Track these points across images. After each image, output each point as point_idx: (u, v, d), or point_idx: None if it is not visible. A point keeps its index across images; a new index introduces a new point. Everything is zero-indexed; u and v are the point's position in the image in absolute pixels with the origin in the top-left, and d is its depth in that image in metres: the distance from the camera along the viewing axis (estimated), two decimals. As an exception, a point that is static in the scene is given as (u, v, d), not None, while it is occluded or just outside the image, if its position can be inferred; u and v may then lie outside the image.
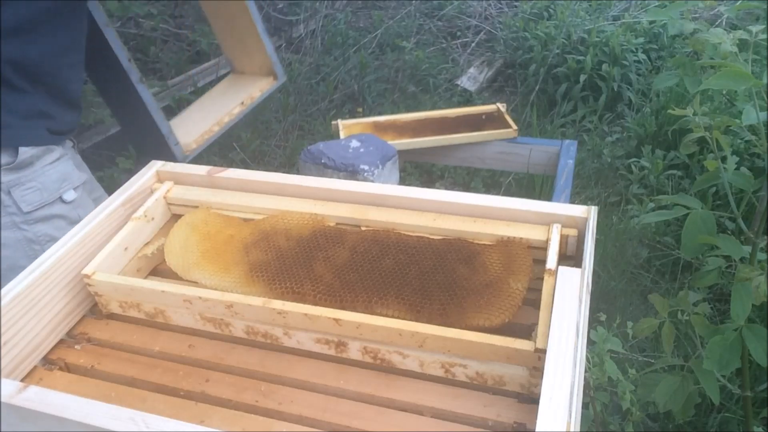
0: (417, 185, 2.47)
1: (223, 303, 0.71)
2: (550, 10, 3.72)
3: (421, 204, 0.82)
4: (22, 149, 1.10)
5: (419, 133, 1.86)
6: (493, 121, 1.91)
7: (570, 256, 0.78)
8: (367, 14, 4.19)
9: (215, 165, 0.93)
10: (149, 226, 0.86)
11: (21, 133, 1.10)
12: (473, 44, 3.77)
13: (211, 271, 0.78)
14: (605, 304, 1.95)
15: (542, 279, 0.71)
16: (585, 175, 2.67)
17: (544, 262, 0.73)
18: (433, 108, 2.93)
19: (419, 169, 2.85)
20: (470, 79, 3.47)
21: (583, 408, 1.22)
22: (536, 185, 2.44)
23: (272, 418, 0.65)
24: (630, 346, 1.68)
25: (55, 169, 1.16)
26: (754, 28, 1.05)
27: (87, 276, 0.76)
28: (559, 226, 0.77)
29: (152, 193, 0.89)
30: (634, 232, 2.24)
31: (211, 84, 3.35)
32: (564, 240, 0.77)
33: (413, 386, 0.67)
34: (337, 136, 1.84)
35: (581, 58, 3.15)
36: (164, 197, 0.89)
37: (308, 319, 0.68)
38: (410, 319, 0.69)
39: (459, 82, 3.42)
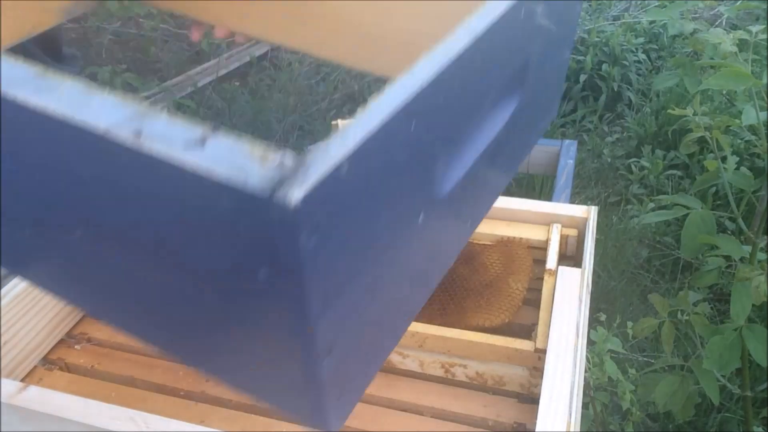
0: (417, 185, 2.46)
1: (223, 303, 0.71)
2: (550, 10, 3.72)
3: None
4: None
5: (419, 133, 1.86)
6: (493, 121, 1.91)
7: (570, 256, 0.78)
8: (367, 14, 4.19)
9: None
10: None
11: None
12: (473, 44, 3.77)
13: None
14: (605, 304, 1.95)
15: (542, 279, 0.71)
16: (585, 175, 2.67)
17: (544, 262, 0.73)
18: (433, 108, 2.93)
19: (419, 169, 2.85)
20: (470, 79, 3.47)
21: (583, 408, 1.22)
22: (536, 185, 2.44)
23: (272, 418, 0.65)
24: (630, 346, 1.68)
25: None
26: (754, 28, 1.05)
27: (87, 276, 0.76)
28: (559, 226, 0.77)
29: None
30: (634, 232, 2.24)
31: (211, 84, 3.36)
32: (564, 240, 0.77)
33: (413, 386, 0.67)
34: (337, 136, 1.84)
35: (581, 58, 3.15)
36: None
37: (308, 319, 0.68)
38: (410, 319, 0.69)
39: (459, 82, 3.42)
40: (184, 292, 0.35)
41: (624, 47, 3.12)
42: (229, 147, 0.28)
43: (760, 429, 1.32)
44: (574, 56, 3.17)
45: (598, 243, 2.11)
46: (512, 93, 0.48)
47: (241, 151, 0.27)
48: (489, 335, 0.64)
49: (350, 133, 0.30)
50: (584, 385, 0.87)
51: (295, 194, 0.25)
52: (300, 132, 3.11)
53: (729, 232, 1.87)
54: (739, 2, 1.20)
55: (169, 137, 0.28)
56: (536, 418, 0.53)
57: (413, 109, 0.32)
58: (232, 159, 0.27)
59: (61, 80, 0.32)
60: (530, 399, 0.65)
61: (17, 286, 0.71)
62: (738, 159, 1.68)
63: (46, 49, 1.07)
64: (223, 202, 0.27)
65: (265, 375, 0.36)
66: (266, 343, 0.33)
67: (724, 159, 1.13)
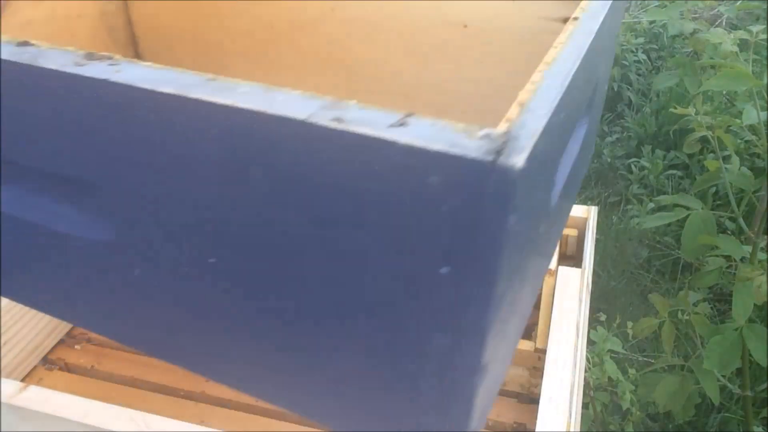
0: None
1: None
2: (550, 10, 3.72)
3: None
4: None
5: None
6: (493, 121, 1.90)
7: (570, 256, 0.78)
8: (367, 14, 4.19)
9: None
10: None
11: None
12: (473, 44, 3.76)
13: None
14: (605, 304, 1.95)
15: (542, 279, 0.71)
16: (585, 175, 2.66)
17: (544, 262, 0.73)
18: (433, 108, 2.93)
19: (419, 169, 2.85)
20: (470, 79, 3.47)
21: (583, 408, 1.22)
22: (536, 185, 2.44)
23: (272, 418, 0.65)
24: (630, 346, 1.68)
25: None
26: (755, 28, 1.05)
27: (87, 276, 0.76)
28: (560, 225, 0.77)
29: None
30: (634, 232, 2.24)
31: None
32: (564, 240, 0.77)
33: (413, 386, 0.67)
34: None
35: (581, 58, 3.15)
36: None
37: (308, 319, 0.68)
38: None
39: (459, 82, 3.42)
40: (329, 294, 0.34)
41: (624, 47, 3.12)
42: (431, 125, 0.27)
43: (760, 429, 1.31)
44: (574, 56, 3.17)
45: (598, 243, 2.11)
46: (585, 115, 0.47)
47: (445, 128, 0.27)
48: (489, 335, 0.64)
49: (549, 91, 0.29)
50: (584, 385, 0.87)
51: (519, 158, 0.25)
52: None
53: (729, 232, 1.87)
54: (739, 2, 1.20)
55: (371, 121, 0.28)
56: (536, 418, 0.53)
57: (576, 80, 0.33)
58: (441, 135, 0.26)
59: (235, 82, 0.31)
60: (530, 399, 0.65)
61: (17, 286, 0.71)
62: (738, 159, 1.67)
63: None
64: (434, 175, 0.26)
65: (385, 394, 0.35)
66: (417, 348, 0.32)
67: (726, 158, 1.13)
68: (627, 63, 3.09)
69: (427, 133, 0.27)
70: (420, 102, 0.69)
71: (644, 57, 3.16)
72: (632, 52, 3.14)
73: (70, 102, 0.35)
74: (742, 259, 1.06)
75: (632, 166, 2.55)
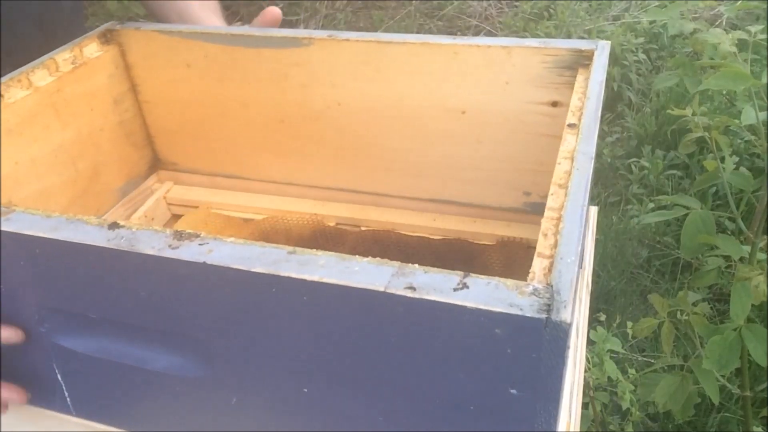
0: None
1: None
2: (551, 10, 3.72)
3: (421, 204, 0.82)
4: None
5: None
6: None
7: (570, 256, 0.78)
8: (367, 14, 4.19)
9: (215, 165, 0.93)
10: (149, 226, 0.86)
11: None
12: (473, 44, 3.76)
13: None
14: (605, 304, 1.95)
15: (542, 279, 0.71)
16: (585, 175, 2.66)
17: (543, 262, 0.73)
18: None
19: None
20: (470, 79, 3.46)
21: (583, 408, 1.22)
22: (536, 185, 2.44)
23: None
24: (630, 346, 1.68)
25: None
26: (753, 28, 1.05)
27: (87, 276, 0.76)
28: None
29: (152, 194, 0.89)
30: (634, 232, 2.24)
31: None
32: (564, 240, 0.77)
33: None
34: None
35: (581, 58, 3.15)
36: (164, 197, 0.89)
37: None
38: (410, 319, 0.69)
39: (459, 82, 3.41)
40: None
41: (624, 47, 3.12)
42: (486, 285, 0.33)
43: (760, 429, 1.32)
44: (574, 56, 3.16)
45: (598, 243, 2.11)
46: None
47: (498, 286, 0.33)
48: (489, 335, 0.65)
49: (570, 236, 0.36)
50: (584, 385, 0.87)
51: (566, 313, 0.31)
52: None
53: (729, 232, 1.87)
54: (739, 2, 1.20)
55: (437, 286, 0.34)
56: (536, 418, 0.53)
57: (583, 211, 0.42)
58: (498, 294, 0.33)
59: (314, 253, 0.38)
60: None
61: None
62: (738, 159, 1.67)
63: None
64: (498, 328, 0.32)
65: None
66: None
67: (723, 159, 1.13)
68: (627, 63, 3.09)
69: (486, 293, 0.33)
70: (425, 177, 0.78)
71: (644, 57, 3.16)
72: (632, 52, 3.13)
73: (169, 282, 0.41)
74: (741, 259, 1.06)
75: (632, 166, 2.55)
